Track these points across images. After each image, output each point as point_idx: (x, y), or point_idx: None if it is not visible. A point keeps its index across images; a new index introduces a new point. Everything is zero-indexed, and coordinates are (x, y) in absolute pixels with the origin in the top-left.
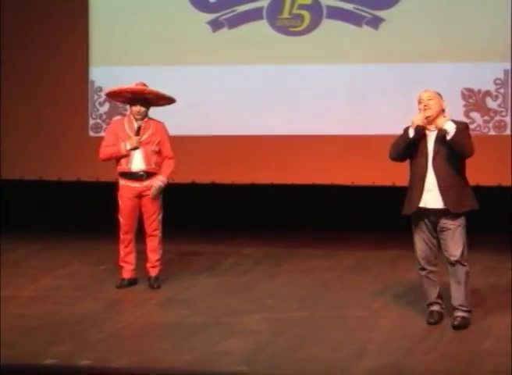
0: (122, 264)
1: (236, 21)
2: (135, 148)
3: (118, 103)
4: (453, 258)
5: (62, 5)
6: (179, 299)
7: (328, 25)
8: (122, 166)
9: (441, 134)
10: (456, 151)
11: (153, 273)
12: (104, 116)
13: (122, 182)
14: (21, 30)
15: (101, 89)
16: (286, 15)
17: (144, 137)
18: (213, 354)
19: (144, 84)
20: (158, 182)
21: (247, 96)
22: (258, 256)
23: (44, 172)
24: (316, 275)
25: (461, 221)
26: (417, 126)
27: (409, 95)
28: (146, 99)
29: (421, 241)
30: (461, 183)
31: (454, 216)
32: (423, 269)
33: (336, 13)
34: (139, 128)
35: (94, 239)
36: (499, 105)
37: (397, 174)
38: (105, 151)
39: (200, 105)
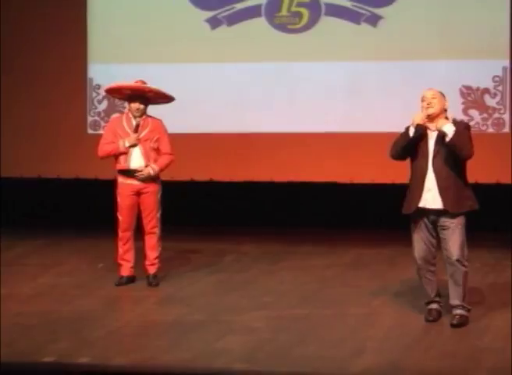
0: (120, 262)
1: (234, 18)
2: (134, 146)
3: (116, 100)
4: (452, 258)
5: (61, 3)
6: (178, 297)
7: (326, 22)
8: (121, 164)
9: (442, 135)
10: (454, 153)
11: (151, 270)
12: (103, 114)
13: (121, 179)
14: (19, 28)
15: (99, 87)
16: (284, 12)
17: (142, 135)
18: (212, 351)
19: (144, 82)
20: (149, 169)
21: (246, 94)
22: (257, 254)
23: (42, 170)
24: (315, 272)
25: (461, 220)
26: (418, 125)
27: (407, 93)
28: (145, 97)
29: (419, 241)
30: (461, 184)
31: (454, 215)
32: (421, 268)
33: (335, 11)
34: (137, 125)
35: (92, 237)
36: (498, 103)
37: (396, 172)
38: (104, 148)
39: (199, 102)
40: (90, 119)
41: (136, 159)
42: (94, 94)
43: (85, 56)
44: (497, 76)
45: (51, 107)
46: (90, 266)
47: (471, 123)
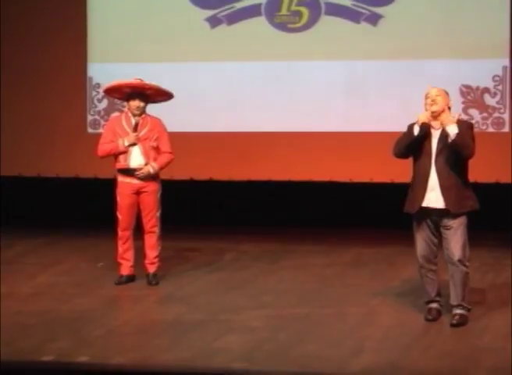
0: (120, 261)
1: (234, 18)
2: (133, 145)
3: (116, 100)
4: (454, 258)
5: (61, 2)
6: (178, 296)
7: (326, 22)
8: (121, 163)
9: (445, 134)
10: (456, 153)
11: (151, 269)
12: (103, 113)
13: (121, 178)
14: (19, 27)
15: (99, 85)
16: (284, 11)
17: (141, 133)
18: (211, 350)
19: (142, 80)
20: (149, 167)
21: (246, 92)
22: (257, 252)
23: (42, 168)
24: (315, 271)
25: (463, 220)
26: (423, 123)
27: (407, 92)
28: (145, 94)
29: (421, 240)
30: (463, 184)
31: (456, 215)
32: (423, 267)
33: (335, 10)
34: (136, 124)
35: (92, 236)
36: (498, 102)
37: (395, 171)
38: (103, 147)
39: (199, 101)
40: (89, 117)
41: (135, 158)
42: (94, 93)
43: (85, 55)
44: (497, 76)
45: (51, 106)
46: (89, 265)
47: None
